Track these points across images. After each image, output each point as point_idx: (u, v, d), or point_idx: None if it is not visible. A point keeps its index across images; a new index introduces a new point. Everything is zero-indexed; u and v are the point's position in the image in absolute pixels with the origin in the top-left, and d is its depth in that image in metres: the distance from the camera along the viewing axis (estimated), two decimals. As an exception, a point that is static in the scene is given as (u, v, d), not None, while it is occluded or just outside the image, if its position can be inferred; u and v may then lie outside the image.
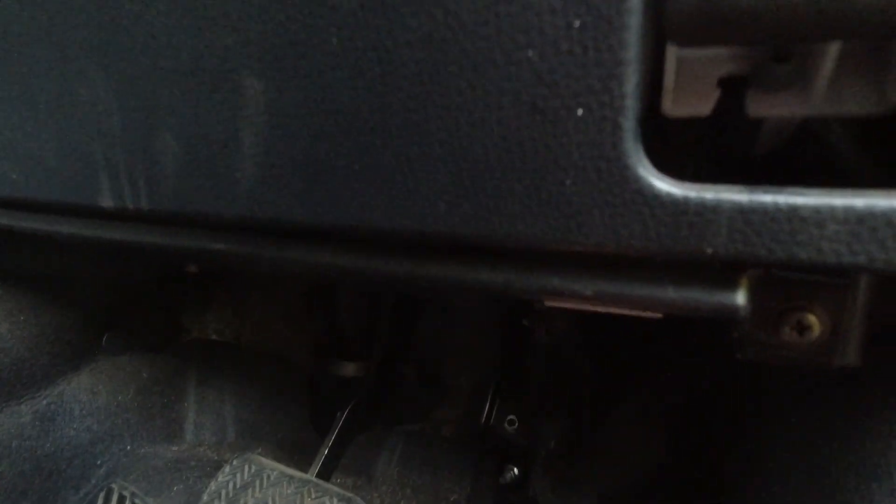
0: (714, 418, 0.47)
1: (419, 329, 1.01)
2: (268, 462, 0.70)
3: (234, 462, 0.71)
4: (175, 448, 1.01)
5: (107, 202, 0.36)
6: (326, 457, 0.75)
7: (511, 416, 0.87)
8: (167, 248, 0.38)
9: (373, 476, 1.01)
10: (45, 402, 0.89)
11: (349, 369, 0.97)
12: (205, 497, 0.67)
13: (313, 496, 0.64)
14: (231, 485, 0.68)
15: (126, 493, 0.88)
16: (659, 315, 0.31)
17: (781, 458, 0.34)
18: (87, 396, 0.94)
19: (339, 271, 0.30)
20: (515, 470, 0.93)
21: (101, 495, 0.89)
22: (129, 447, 0.97)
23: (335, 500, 0.63)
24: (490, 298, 0.27)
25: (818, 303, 0.25)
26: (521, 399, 0.85)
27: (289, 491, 0.65)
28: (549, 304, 0.34)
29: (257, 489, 0.67)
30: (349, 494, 0.64)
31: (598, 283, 0.24)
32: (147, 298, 1.05)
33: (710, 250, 0.20)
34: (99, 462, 0.93)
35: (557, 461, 0.78)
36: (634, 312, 0.29)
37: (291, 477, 0.68)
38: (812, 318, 0.25)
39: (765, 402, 0.38)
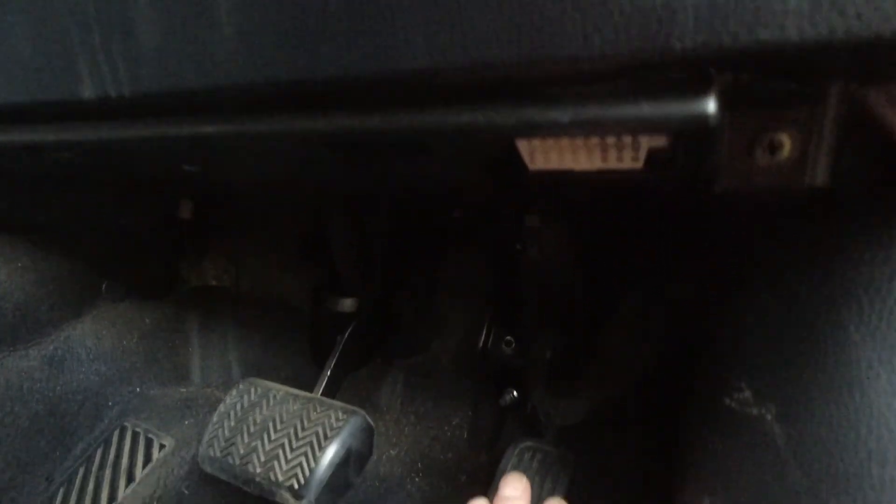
0: (703, 315, 0.49)
1: (413, 263, 1.02)
2: (272, 384, 0.73)
3: (241, 386, 0.73)
4: (183, 390, 1.04)
5: (88, 92, 0.36)
6: (329, 378, 0.78)
7: (508, 338, 0.89)
8: (153, 140, 0.38)
9: (377, 407, 1.05)
10: (51, 346, 0.91)
11: (346, 305, 0.99)
12: (214, 418, 0.70)
13: (318, 410, 0.67)
14: (239, 405, 0.70)
15: (139, 430, 0.91)
16: (639, 164, 0.32)
17: (761, 308, 0.36)
18: (92, 342, 0.96)
19: (325, 135, 0.31)
20: (515, 392, 0.96)
21: (116, 433, 0.92)
22: (138, 389, 0.99)
23: (340, 413, 0.66)
24: (471, 141, 0.27)
25: (788, 121, 0.25)
26: (517, 320, 0.88)
27: (295, 407, 0.68)
28: (534, 167, 0.34)
29: (264, 407, 0.69)
30: (353, 407, 0.67)
31: (575, 110, 0.24)
32: (143, 247, 1.06)
33: (678, 45, 0.20)
34: (111, 403, 0.95)
35: (554, 374, 0.81)
36: (612, 154, 0.30)
37: (297, 395, 0.71)
38: (783, 137, 0.25)
39: (747, 276, 0.39)
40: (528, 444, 0.67)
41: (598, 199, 0.61)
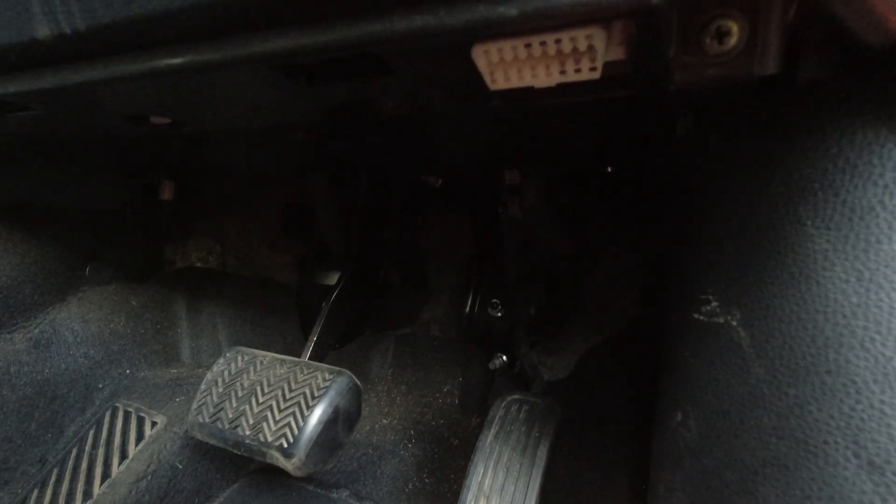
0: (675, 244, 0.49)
1: (395, 232, 1.03)
2: (259, 351, 0.73)
3: (228, 354, 0.73)
4: (174, 370, 1.04)
5: (43, 31, 0.36)
6: (315, 343, 0.78)
7: (494, 300, 0.90)
8: (114, 81, 0.37)
9: (368, 378, 1.05)
10: (37, 330, 0.91)
11: (332, 278, 0.99)
12: (202, 386, 0.70)
13: (305, 373, 0.67)
14: (226, 372, 0.70)
15: (131, 409, 0.91)
16: (596, 75, 0.32)
17: (723, 218, 0.36)
18: (79, 325, 0.95)
19: (281, 55, 0.31)
20: (504, 357, 0.97)
21: (108, 414, 0.92)
22: (128, 371, 0.99)
23: (326, 374, 0.66)
24: (426, 52, 0.27)
25: (736, 8, 0.26)
26: (502, 282, 0.88)
27: (282, 371, 0.68)
28: (495, 87, 0.34)
29: (252, 373, 0.69)
30: (339, 368, 0.67)
31: (522, 2, 0.25)
32: (126, 229, 1.06)
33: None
34: (101, 385, 0.95)
35: (540, 329, 0.82)
36: (570, 65, 0.30)
37: (283, 360, 0.71)
38: (731, 24, 0.26)
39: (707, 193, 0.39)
40: (516, 396, 0.68)
41: (571, 149, 0.61)
